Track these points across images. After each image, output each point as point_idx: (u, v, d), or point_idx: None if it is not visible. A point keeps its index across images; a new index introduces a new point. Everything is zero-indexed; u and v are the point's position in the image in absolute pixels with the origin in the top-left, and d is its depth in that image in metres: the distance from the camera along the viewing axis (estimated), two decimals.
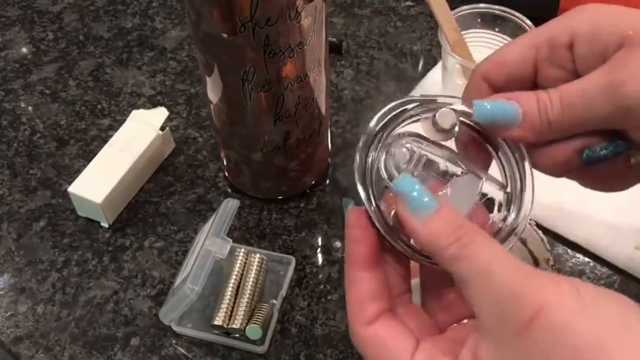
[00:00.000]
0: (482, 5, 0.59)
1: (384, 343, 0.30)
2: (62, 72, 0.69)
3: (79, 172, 0.57)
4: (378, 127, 0.33)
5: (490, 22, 0.59)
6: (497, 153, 0.34)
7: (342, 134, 0.63)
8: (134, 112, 0.60)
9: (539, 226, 0.51)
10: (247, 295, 0.50)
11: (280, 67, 0.45)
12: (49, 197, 0.59)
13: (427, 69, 0.68)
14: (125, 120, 0.60)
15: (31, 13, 0.76)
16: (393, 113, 0.34)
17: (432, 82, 0.66)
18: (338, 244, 0.55)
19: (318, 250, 0.55)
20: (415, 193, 0.30)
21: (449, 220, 0.29)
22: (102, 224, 0.57)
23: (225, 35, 0.43)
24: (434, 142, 0.33)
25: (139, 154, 0.57)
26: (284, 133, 0.51)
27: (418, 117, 0.33)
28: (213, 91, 0.50)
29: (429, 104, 0.33)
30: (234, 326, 0.49)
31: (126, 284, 0.53)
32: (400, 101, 0.34)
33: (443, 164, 0.34)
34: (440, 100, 0.33)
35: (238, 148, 0.53)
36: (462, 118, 0.33)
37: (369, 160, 0.32)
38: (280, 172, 0.55)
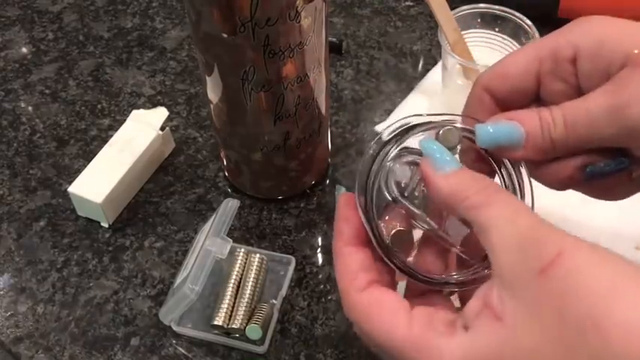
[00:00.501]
0: (482, 5, 0.59)
1: (380, 304, 0.31)
2: (62, 72, 0.69)
3: (79, 172, 0.57)
4: (382, 144, 0.34)
5: (490, 22, 0.59)
6: (499, 168, 0.35)
7: (342, 134, 0.63)
8: (134, 112, 0.60)
9: None
10: (247, 295, 0.50)
11: (280, 67, 0.45)
12: (49, 197, 0.59)
13: (427, 69, 0.68)
14: (125, 120, 0.60)
15: (31, 13, 0.76)
16: (398, 130, 0.34)
17: (432, 82, 0.66)
18: None
19: (318, 250, 0.55)
20: (439, 154, 0.31)
21: (473, 175, 0.30)
22: (102, 224, 0.57)
23: (225, 35, 0.43)
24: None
25: (139, 154, 0.57)
26: (284, 133, 0.51)
27: (422, 134, 0.34)
28: (213, 91, 0.50)
29: (433, 121, 0.34)
30: (234, 326, 0.49)
31: (126, 284, 0.53)
32: (405, 118, 0.34)
33: None
34: (444, 118, 0.34)
35: (238, 148, 0.53)
36: (465, 134, 0.34)
37: (371, 177, 0.33)
38: (280, 172, 0.55)
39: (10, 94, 0.68)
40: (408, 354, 0.29)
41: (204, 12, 0.43)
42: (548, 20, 0.71)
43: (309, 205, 0.58)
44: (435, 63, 0.68)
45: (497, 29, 0.59)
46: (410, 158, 0.34)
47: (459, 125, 0.33)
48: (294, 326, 0.50)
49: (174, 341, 0.50)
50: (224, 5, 0.42)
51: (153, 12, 0.75)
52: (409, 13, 0.74)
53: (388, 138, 0.34)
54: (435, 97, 0.64)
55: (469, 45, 0.58)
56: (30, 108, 0.66)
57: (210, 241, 0.48)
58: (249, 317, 0.49)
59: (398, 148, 0.33)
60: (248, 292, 0.50)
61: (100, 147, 0.58)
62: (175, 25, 0.74)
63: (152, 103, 0.66)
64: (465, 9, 0.59)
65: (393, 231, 0.33)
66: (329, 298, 0.52)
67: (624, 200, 0.38)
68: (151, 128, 0.59)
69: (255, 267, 0.51)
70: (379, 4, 0.74)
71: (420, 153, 0.33)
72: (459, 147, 0.33)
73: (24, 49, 0.72)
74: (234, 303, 0.50)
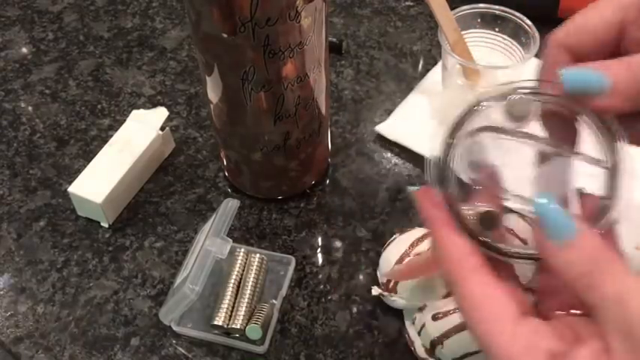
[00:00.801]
0: (482, 5, 0.59)
1: (491, 302, 0.29)
2: (62, 72, 0.69)
3: (79, 172, 0.57)
4: (453, 129, 0.32)
5: (490, 22, 0.59)
6: (586, 127, 0.32)
7: (342, 134, 0.63)
8: (134, 112, 0.60)
9: None
10: (247, 295, 0.50)
11: (280, 67, 0.45)
12: (49, 197, 0.59)
13: (427, 69, 0.68)
14: (125, 120, 0.60)
15: (31, 13, 0.76)
16: (466, 113, 0.32)
17: (432, 82, 0.66)
18: (338, 244, 0.55)
19: (318, 250, 0.55)
20: (554, 219, 0.29)
21: (586, 250, 0.28)
22: (102, 224, 0.57)
23: (225, 35, 0.43)
24: (511, 131, 0.32)
25: (139, 154, 0.57)
26: (284, 133, 0.51)
27: (489, 110, 0.32)
28: (213, 91, 0.50)
29: (499, 94, 0.32)
30: (234, 326, 0.49)
31: (126, 284, 0.53)
32: (473, 102, 0.32)
33: (527, 150, 0.32)
34: (514, 85, 0.32)
35: (238, 148, 0.53)
36: (542, 99, 0.32)
37: (447, 161, 0.32)
38: (280, 172, 0.55)
39: (10, 94, 0.68)
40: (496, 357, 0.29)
41: (204, 12, 0.43)
42: (548, 20, 0.71)
43: (309, 205, 0.58)
44: (435, 63, 0.68)
45: (497, 29, 0.59)
46: (485, 135, 0.32)
47: (530, 91, 0.32)
48: (294, 326, 0.50)
49: (174, 341, 0.50)
50: (224, 5, 0.42)
51: (153, 12, 0.75)
52: (409, 13, 0.74)
53: (456, 122, 0.32)
54: (435, 97, 0.65)
55: (469, 45, 0.58)
56: (30, 108, 0.66)
57: (211, 241, 0.48)
58: (249, 317, 0.49)
59: (470, 129, 0.32)
60: (248, 292, 0.50)
61: (100, 147, 0.58)
62: (175, 25, 0.74)
63: (152, 103, 0.66)
64: (465, 9, 0.59)
65: (479, 211, 0.31)
66: (329, 298, 0.52)
67: (624, 200, 0.38)
68: (151, 128, 0.59)
69: (255, 267, 0.51)
70: (379, 4, 0.75)
71: (492, 128, 0.32)
72: (531, 113, 0.31)
73: (24, 49, 0.72)
74: (234, 303, 0.50)
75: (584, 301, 0.28)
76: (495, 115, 0.31)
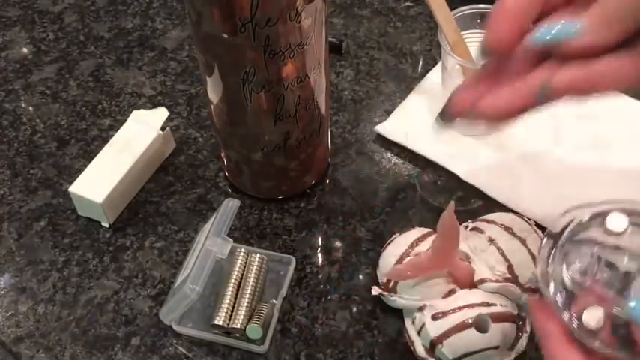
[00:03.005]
0: (481, 6, 0.59)
1: None
2: (63, 72, 0.70)
3: (79, 172, 0.57)
4: (556, 237, 0.36)
5: None
6: None
7: (342, 134, 0.63)
8: (135, 112, 0.61)
9: (538, 226, 0.51)
10: (247, 295, 0.50)
11: (280, 67, 0.45)
12: (49, 197, 0.59)
13: (427, 69, 0.68)
14: (126, 120, 0.60)
15: (32, 13, 0.76)
16: (567, 223, 0.36)
17: (432, 83, 0.66)
18: (338, 243, 0.55)
19: (318, 250, 0.55)
20: None
21: None
22: (102, 224, 0.57)
23: (225, 35, 0.43)
24: (609, 245, 0.35)
25: (140, 154, 0.57)
26: (284, 133, 0.51)
27: (589, 224, 0.35)
28: (213, 91, 0.50)
29: (598, 210, 0.35)
30: (234, 326, 0.49)
31: (126, 284, 0.53)
32: (571, 212, 0.36)
33: (623, 265, 0.34)
34: (608, 206, 0.35)
35: (238, 148, 0.54)
36: (632, 219, 0.34)
37: (551, 268, 0.35)
38: (280, 172, 0.55)
39: (10, 95, 0.68)
40: None
41: (204, 12, 0.43)
42: None
43: (309, 205, 0.58)
44: (435, 63, 0.68)
45: None
46: (586, 246, 0.35)
47: (623, 210, 0.34)
48: (295, 326, 0.51)
49: (174, 341, 0.50)
50: (224, 6, 0.42)
51: (153, 12, 0.75)
52: (409, 14, 0.74)
53: (560, 230, 0.36)
54: (434, 97, 0.65)
55: (469, 45, 0.58)
56: (31, 108, 0.67)
57: (211, 241, 0.48)
58: (250, 317, 0.49)
59: (572, 239, 0.35)
60: (248, 291, 0.50)
61: (101, 147, 0.58)
62: (176, 25, 0.74)
63: (152, 104, 0.66)
64: (465, 9, 0.59)
65: (584, 315, 0.33)
66: (329, 297, 0.52)
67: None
68: (151, 128, 0.59)
69: (255, 267, 0.52)
70: (379, 5, 0.75)
71: (593, 241, 0.35)
72: (629, 230, 0.34)
73: (25, 50, 0.72)
74: (234, 303, 0.50)
75: None
76: (593, 230, 0.35)
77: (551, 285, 0.35)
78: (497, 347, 0.45)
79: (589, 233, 0.35)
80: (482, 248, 0.48)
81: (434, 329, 0.46)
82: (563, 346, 0.32)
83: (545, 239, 0.36)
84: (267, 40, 0.43)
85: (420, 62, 0.69)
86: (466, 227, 0.50)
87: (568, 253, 0.35)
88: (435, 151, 0.60)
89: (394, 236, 0.51)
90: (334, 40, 0.69)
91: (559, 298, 0.34)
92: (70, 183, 0.56)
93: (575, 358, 0.32)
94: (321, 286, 0.53)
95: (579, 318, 0.33)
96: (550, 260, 0.35)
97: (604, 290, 0.34)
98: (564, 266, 0.35)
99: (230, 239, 0.48)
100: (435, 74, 0.67)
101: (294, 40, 0.44)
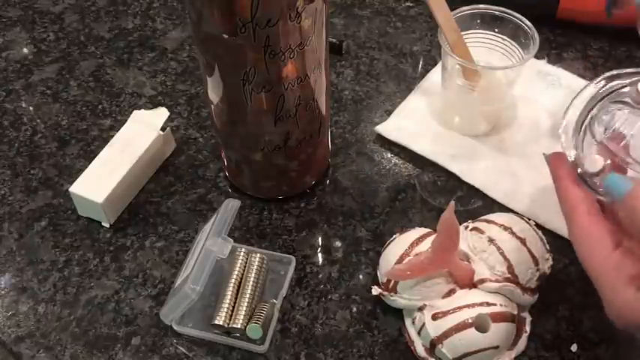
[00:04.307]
0: (481, 6, 0.59)
1: (590, 232, 0.38)
2: (63, 72, 0.70)
3: (80, 172, 0.57)
4: (592, 99, 0.42)
5: (490, 22, 0.59)
6: None
7: (342, 134, 0.63)
8: (135, 112, 0.61)
9: (539, 226, 0.51)
10: (248, 295, 0.50)
11: (281, 67, 0.46)
12: (50, 197, 0.59)
13: (427, 69, 0.68)
14: (126, 120, 0.60)
15: (32, 13, 0.76)
16: (603, 89, 0.42)
17: (432, 83, 0.66)
18: (338, 243, 0.55)
19: (319, 249, 0.55)
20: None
21: None
22: (103, 224, 0.57)
23: (225, 36, 0.43)
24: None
25: (140, 154, 0.57)
26: (284, 133, 0.51)
27: (622, 89, 0.41)
28: (213, 91, 0.50)
29: (629, 78, 0.41)
30: (234, 326, 0.49)
31: (127, 284, 0.53)
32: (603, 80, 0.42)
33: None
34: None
35: (239, 149, 0.54)
36: None
37: (585, 121, 0.41)
38: (280, 172, 0.55)
39: (11, 95, 0.68)
40: (593, 276, 0.38)
41: (204, 13, 0.43)
42: (548, 21, 0.71)
43: (309, 205, 0.58)
44: (435, 64, 0.68)
45: (496, 30, 0.59)
46: (616, 106, 0.41)
47: None
48: (295, 326, 0.51)
49: (175, 341, 0.50)
50: (225, 6, 0.42)
51: (154, 12, 0.75)
52: (409, 14, 0.74)
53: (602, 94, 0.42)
54: (434, 97, 0.65)
55: (469, 46, 0.58)
56: (31, 108, 0.67)
57: (211, 241, 0.48)
58: (250, 317, 0.49)
59: (606, 100, 0.41)
60: (248, 291, 0.50)
61: (101, 147, 0.58)
62: (176, 25, 0.74)
63: (153, 104, 0.66)
64: (465, 10, 0.59)
65: (601, 164, 0.39)
66: (329, 297, 0.52)
67: None
68: (151, 128, 0.59)
69: (255, 267, 0.52)
70: (379, 5, 0.75)
71: (623, 102, 0.41)
72: None
73: (25, 50, 0.72)
74: (234, 302, 0.50)
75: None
76: (632, 94, 0.41)
77: (584, 133, 0.41)
78: (497, 347, 0.45)
79: (622, 96, 0.41)
80: (483, 248, 0.48)
81: (434, 329, 0.46)
82: (570, 185, 0.40)
83: (586, 89, 0.42)
84: (268, 40, 0.43)
85: (420, 62, 0.69)
86: (466, 227, 0.50)
87: (601, 109, 0.41)
88: (435, 151, 0.60)
89: (394, 236, 0.51)
90: (334, 40, 0.69)
91: (574, 140, 0.41)
92: (71, 183, 0.56)
93: (577, 193, 0.39)
94: (321, 286, 0.53)
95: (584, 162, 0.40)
96: (590, 112, 0.41)
97: (622, 148, 0.40)
98: (600, 121, 0.41)
99: (230, 239, 0.48)
100: (435, 74, 0.67)
101: (294, 41, 0.44)
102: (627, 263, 0.37)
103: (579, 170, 0.40)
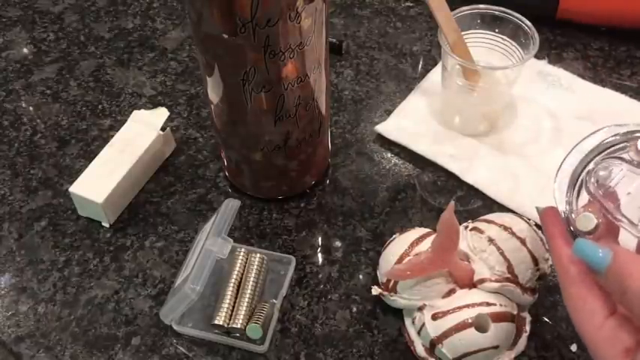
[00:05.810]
0: (481, 6, 0.59)
1: (585, 300, 0.37)
2: (63, 72, 0.70)
3: (80, 172, 0.57)
4: (590, 153, 0.40)
5: (490, 22, 0.59)
6: None
7: (342, 134, 0.63)
8: (135, 112, 0.61)
9: (538, 226, 0.51)
10: (248, 295, 0.50)
11: (281, 67, 0.46)
12: (50, 197, 0.59)
13: (427, 69, 0.68)
14: (126, 120, 0.60)
15: (32, 13, 0.76)
16: (603, 142, 0.40)
17: (432, 83, 0.66)
18: (338, 243, 0.55)
19: (318, 249, 0.55)
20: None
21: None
22: (103, 224, 0.57)
23: (225, 36, 0.43)
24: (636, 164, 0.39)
25: (140, 154, 0.57)
26: (284, 133, 0.51)
27: (623, 145, 0.39)
28: (213, 91, 0.50)
29: (631, 135, 0.39)
30: (234, 326, 0.49)
31: (127, 284, 0.53)
32: (604, 132, 0.40)
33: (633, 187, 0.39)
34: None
35: (239, 148, 0.54)
36: None
37: (581, 175, 0.40)
38: (280, 172, 0.55)
39: (11, 95, 0.68)
40: (587, 345, 0.36)
41: (204, 13, 0.43)
42: (548, 21, 0.71)
43: (309, 205, 0.58)
44: (435, 64, 0.68)
45: (496, 30, 0.59)
46: (613, 163, 0.39)
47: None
48: (295, 326, 0.51)
49: (174, 341, 0.50)
50: (225, 6, 0.42)
51: (154, 12, 0.75)
52: (409, 14, 0.74)
53: (594, 148, 0.40)
54: (434, 97, 0.65)
55: (469, 46, 0.58)
56: (31, 108, 0.67)
57: (211, 241, 0.48)
58: (250, 317, 0.49)
59: (602, 157, 0.39)
60: (248, 291, 0.50)
61: (101, 147, 0.58)
62: (176, 25, 0.74)
63: (153, 104, 0.66)
64: (465, 10, 0.59)
65: (581, 214, 0.38)
66: (329, 297, 0.52)
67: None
68: (151, 128, 0.59)
69: (255, 267, 0.52)
70: (379, 5, 0.75)
71: (621, 159, 0.39)
72: None
73: (25, 50, 0.72)
74: (234, 302, 0.50)
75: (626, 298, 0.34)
76: (631, 152, 0.39)
77: (567, 181, 0.40)
78: (497, 347, 0.45)
79: (621, 152, 0.39)
80: (482, 248, 0.48)
81: (434, 329, 0.46)
82: (562, 246, 0.39)
83: (582, 143, 0.40)
84: (268, 40, 0.43)
85: (420, 62, 0.69)
86: (466, 227, 0.50)
87: (598, 165, 0.40)
88: (435, 151, 0.60)
89: (394, 236, 0.51)
90: (334, 40, 0.69)
91: (569, 194, 0.40)
92: (71, 183, 0.56)
93: (569, 255, 0.38)
94: (321, 286, 0.53)
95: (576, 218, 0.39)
96: (586, 166, 0.40)
97: (613, 205, 0.38)
98: (594, 174, 0.39)
99: (230, 239, 0.48)
100: (435, 74, 0.67)
101: (294, 41, 0.44)
102: (622, 335, 0.35)
103: (572, 228, 0.39)
